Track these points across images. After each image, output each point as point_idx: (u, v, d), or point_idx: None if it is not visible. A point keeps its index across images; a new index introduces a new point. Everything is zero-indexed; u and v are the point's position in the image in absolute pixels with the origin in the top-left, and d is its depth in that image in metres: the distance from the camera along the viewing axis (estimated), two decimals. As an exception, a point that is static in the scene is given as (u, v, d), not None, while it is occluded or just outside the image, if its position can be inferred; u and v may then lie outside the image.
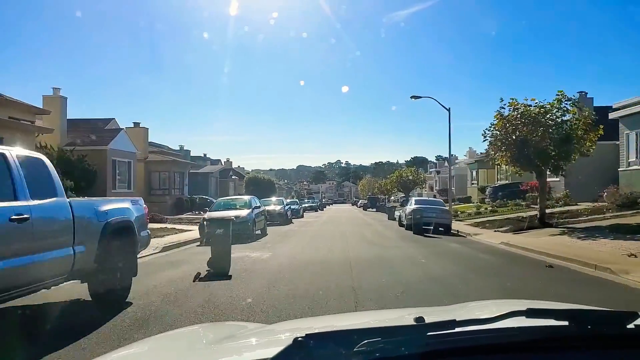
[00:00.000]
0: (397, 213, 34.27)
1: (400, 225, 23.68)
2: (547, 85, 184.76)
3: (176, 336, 2.23)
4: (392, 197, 77.31)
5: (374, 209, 57.91)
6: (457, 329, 1.17)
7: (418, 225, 19.01)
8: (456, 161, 66.75)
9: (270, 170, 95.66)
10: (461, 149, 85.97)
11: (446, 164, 74.92)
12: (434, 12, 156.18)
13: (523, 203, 32.08)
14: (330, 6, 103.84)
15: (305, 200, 63.81)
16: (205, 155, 55.44)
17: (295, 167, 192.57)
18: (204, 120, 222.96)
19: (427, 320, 1.24)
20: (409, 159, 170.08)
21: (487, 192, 37.69)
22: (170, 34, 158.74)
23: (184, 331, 2.59)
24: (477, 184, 49.78)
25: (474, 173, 51.34)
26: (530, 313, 1.27)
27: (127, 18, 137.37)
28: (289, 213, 27.64)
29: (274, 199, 30.35)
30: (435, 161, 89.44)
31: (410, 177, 54.38)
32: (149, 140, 43.11)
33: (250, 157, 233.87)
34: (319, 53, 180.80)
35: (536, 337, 1.20)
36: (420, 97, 30.76)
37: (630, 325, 1.21)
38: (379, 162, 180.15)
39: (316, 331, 1.30)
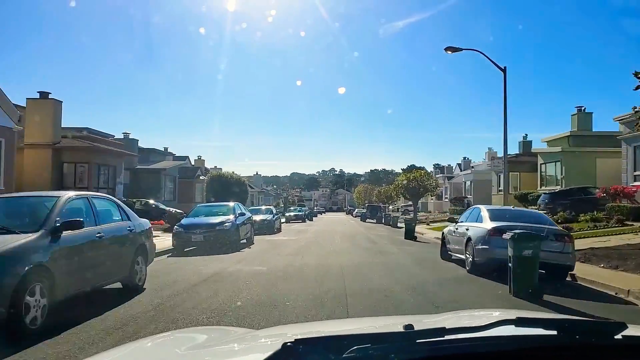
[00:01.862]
0: (411, 230, 22.61)
1: (446, 257, 12.08)
2: (546, 96, 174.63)
3: (158, 341, 2.01)
4: (391, 207, 65.77)
5: (374, 220, 46.27)
6: (447, 337, 1.13)
7: (528, 274, 7.35)
8: (471, 165, 55.39)
9: (257, 174, 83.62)
10: (455, 159, 73.69)
11: (457, 169, 63.45)
12: (431, 21, 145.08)
13: (602, 215, 20.59)
14: (328, 9, 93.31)
15: (292, 209, 51.40)
16: (166, 149, 43.43)
17: (289, 175, 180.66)
18: (198, 127, 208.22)
19: (417, 328, 1.22)
20: (405, 167, 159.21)
21: (539, 202, 26.05)
22: (167, 32, 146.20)
23: (166, 336, 2.35)
24: (508, 191, 38.32)
25: (502, 178, 39.79)
26: (520, 322, 1.26)
27: (120, 9, 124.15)
28: (243, 231, 15.74)
29: (231, 204, 18.58)
30: (433, 169, 78.07)
31: (413, 182, 42.79)
32: (84, 126, 31.48)
33: (243, 163, 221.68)
34: (315, 59, 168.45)
35: (525, 346, 1.16)
36: (460, 49, 19.33)
37: (618, 336, 1.17)
38: (374, 169, 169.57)
39: (305, 336, 1.13)
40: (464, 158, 60.20)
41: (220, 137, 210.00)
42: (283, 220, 45.56)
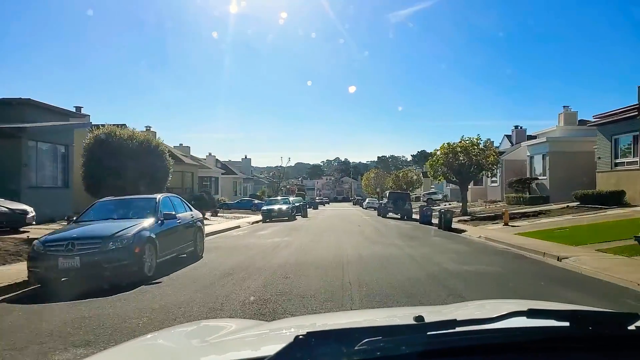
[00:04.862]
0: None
1: None
2: (551, 87, 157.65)
3: (169, 335, 2.01)
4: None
5: (399, 214, 29.81)
6: (458, 329, 1.11)
7: None
8: (533, 133, 38.13)
9: (245, 158, 67.20)
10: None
11: (505, 143, 46.14)
12: (436, 13, 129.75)
13: None
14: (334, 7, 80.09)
15: (276, 200, 33.85)
16: (79, 109, 26.52)
17: (293, 164, 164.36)
18: (205, 118, 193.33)
19: (427, 319, 1.20)
20: (415, 154, 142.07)
21: None
22: (179, 32, 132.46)
23: (178, 329, 2.36)
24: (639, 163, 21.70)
25: (628, 141, 22.96)
26: (531, 313, 1.23)
27: (133, 14, 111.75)
28: None
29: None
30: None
31: (462, 155, 26.21)
32: None
33: (246, 154, 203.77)
34: (323, 53, 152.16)
35: (537, 338, 1.12)
36: None
37: (631, 327, 1.14)
38: (382, 156, 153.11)
39: (317, 329, 1.13)
40: (516, 127, 42.98)
41: (224, 130, 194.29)
42: (257, 218, 29.04)
